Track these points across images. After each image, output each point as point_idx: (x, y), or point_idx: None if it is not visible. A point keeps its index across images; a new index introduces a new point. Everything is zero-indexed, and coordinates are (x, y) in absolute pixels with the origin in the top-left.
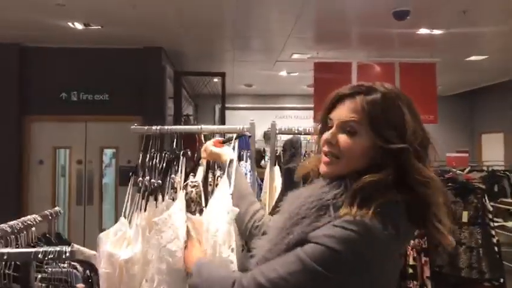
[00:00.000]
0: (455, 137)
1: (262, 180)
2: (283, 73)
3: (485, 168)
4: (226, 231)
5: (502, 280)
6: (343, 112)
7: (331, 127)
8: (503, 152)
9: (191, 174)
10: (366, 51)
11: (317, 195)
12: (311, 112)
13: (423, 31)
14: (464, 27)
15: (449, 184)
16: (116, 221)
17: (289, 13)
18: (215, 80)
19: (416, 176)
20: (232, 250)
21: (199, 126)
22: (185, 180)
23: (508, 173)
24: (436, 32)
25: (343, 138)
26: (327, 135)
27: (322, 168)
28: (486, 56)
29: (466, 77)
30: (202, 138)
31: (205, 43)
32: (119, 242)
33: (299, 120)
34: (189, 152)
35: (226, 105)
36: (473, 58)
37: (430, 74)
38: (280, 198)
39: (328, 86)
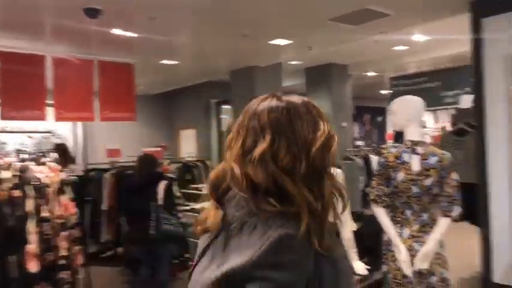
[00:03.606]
0: (158, 134)
1: None
2: None
3: (182, 160)
4: None
5: (187, 255)
6: None
7: None
8: (196, 145)
9: None
10: (63, 46)
11: None
12: None
13: (117, 32)
14: (154, 33)
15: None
16: None
17: None
18: None
19: None
20: None
21: None
22: None
23: (198, 163)
24: (130, 34)
25: None
26: None
27: None
28: (178, 62)
29: (163, 78)
30: None
31: None
32: None
33: None
34: None
35: None
36: (166, 62)
37: (128, 74)
38: None
39: (18, 79)
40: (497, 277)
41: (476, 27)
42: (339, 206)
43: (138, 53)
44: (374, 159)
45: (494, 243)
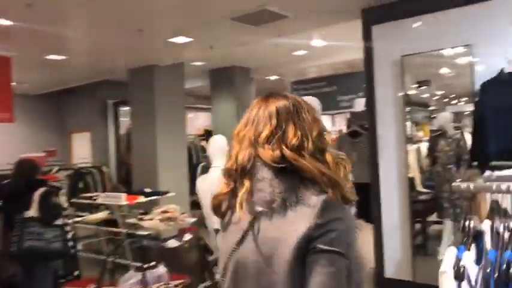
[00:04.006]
0: (47, 137)
1: None
2: None
3: (74, 166)
4: None
5: (76, 273)
6: None
7: None
8: (91, 150)
9: None
10: None
11: None
12: None
13: None
14: (32, 22)
15: None
16: None
17: None
18: None
19: None
20: None
21: None
22: None
23: (92, 170)
24: (5, 22)
25: None
26: None
27: None
28: (66, 57)
29: (52, 76)
30: None
31: None
32: None
33: None
34: None
35: None
36: (52, 57)
37: (4, 69)
38: None
39: None
40: (389, 272)
41: (367, 34)
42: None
43: (18, 45)
44: None
45: (385, 240)
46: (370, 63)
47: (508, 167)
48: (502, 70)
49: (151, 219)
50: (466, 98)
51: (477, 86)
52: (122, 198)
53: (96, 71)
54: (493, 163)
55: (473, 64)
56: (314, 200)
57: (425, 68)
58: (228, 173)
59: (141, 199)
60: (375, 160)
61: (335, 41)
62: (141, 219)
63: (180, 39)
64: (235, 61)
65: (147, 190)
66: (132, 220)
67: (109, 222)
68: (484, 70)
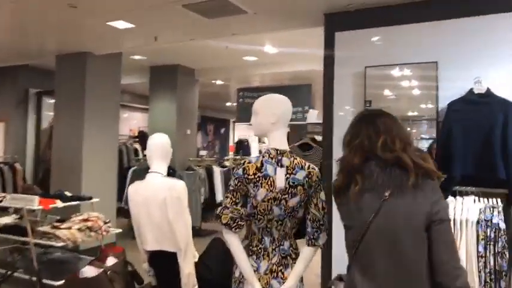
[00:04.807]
0: None
1: None
2: None
3: None
4: None
5: None
6: None
7: None
8: (3, 143)
9: None
10: None
11: None
12: None
13: None
14: None
15: None
16: None
17: None
18: None
19: None
20: None
21: None
22: None
23: (2, 166)
24: None
25: None
26: None
27: None
28: None
29: None
30: None
31: None
32: None
33: None
34: None
35: None
36: None
37: None
38: None
39: None
40: None
41: (329, 41)
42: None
43: None
44: (217, 170)
45: (333, 257)
46: (330, 73)
47: (472, 193)
48: (471, 90)
49: (68, 228)
50: (429, 116)
51: (441, 105)
52: (35, 202)
53: (18, 53)
54: (457, 188)
55: (437, 82)
56: None
57: (387, 81)
58: None
59: (58, 204)
60: (329, 175)
61: (289, 48)
62: (56, 228)
63: (120, 24)
64: (180, 59)
65: (68, 194)
66: (44, 228)
67: (16, 228)
68: (449, 89)
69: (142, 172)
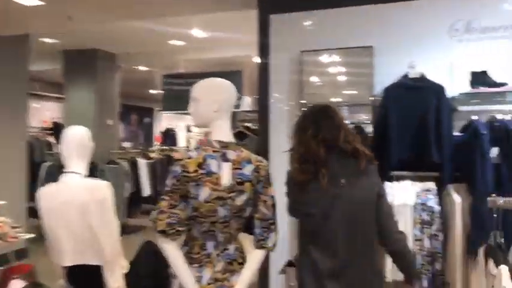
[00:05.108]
0: None
1: None
2: None
3: None
4: None
5: None
6: None
7: None
8: None
9: None
10: None
11: None
12: None
13: None
14: None
15: None
16: None
17: None
18: None
19: None
20: None
21: None
22: None
23: None
24: None
25: None
26: None
27: None
28: None
29: None
30: None
31: None
32: None
33: None
34: None
35: None
36: None
37: None
38: None
39: None
40: None
41: (263, 24)
42: None
43: None
44: (142, 163)
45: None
46: (265, 58)
47: (408, 177)
48: (405, 75)
49: None
50: (365, 101)
51: (376, 91)
52: None
53: None
54: (394, 173)
55: (373, 67)
56: None
57: (323, 67)
58: None
59: None
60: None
61: (219, 32)
62: None
63: (27, 0)
64: (98, 43)
65: None
66: None
67: None
68: (385, 74)
69: (57, 169)
